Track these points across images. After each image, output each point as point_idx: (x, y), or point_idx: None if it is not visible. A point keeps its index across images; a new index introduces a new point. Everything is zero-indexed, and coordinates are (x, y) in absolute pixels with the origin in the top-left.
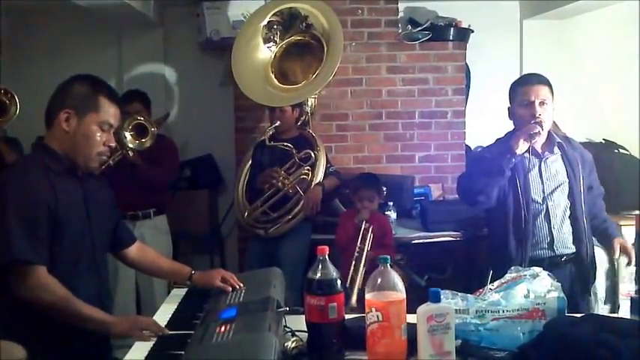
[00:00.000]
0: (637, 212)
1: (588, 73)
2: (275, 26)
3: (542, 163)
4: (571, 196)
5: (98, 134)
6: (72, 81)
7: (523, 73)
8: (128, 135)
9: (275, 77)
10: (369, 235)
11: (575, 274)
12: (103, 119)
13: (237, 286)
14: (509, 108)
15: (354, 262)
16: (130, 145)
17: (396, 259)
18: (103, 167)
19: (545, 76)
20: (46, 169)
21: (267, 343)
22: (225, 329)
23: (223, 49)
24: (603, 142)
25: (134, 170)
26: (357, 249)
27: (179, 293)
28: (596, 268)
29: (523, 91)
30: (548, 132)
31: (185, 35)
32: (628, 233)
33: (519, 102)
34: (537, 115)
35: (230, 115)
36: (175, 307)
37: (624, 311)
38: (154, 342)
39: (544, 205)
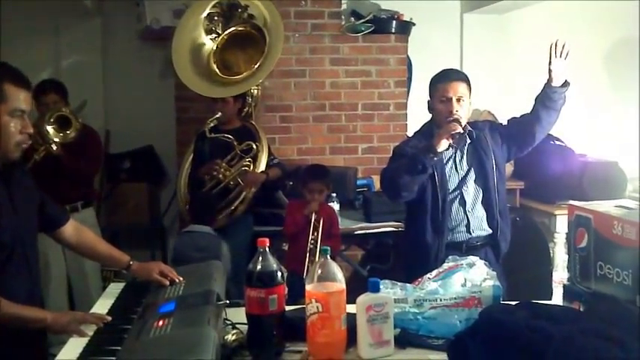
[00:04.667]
0: (571, 202)
1: (526, 66)
2: (216, 17)
3: (457, 153)
4: (484, 180)
5: (12, 124)
6: None
7: (463, 68)
8: (50, 129)
9: (217, 68)
10: (321, 227)
11: (492, 256)
12: (13, 107)
13: (177, 280)
14: (428, 102)
15: (308, 254)
16: (55, 139)
17: (340, 249)
18: (29, 165)
19: (463, 72)
20: None
21: (206, 336)
22: (163, 323)
23: (164, 39)
24: None
25: (58, 163)
26: (311, 241)
27: (116, 289)
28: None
29: (442, 87)
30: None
31: (124, 24)
32: (562, 223)
33: (438, 98)
34: (455, 112)
35: (171, 105)
36: (112, 302)
37: (557, 298)
38: (89, 337)
39: (459, 192)
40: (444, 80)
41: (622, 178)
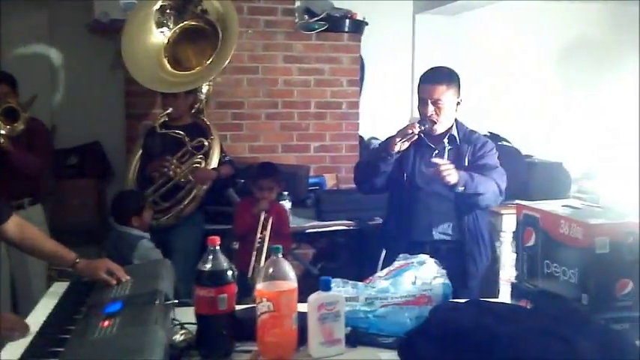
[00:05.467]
0: (518, 202)
1: (476, 67)
2: (168, 10)
3: (433, 155)
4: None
5: None
6: None
7: (414, 67)
8: None
9: (168, 63)
10: (269, 225)
11: (455, 259)
12: None
13: (124, 279)
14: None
15: (255, 253)
16: (2, 132)
17: (291, 248)
18: None
19: (446, 72)
20: None
21: (153, 336)
22: (109, 323)
23: (113, 32)
24: (488, 134)
25: (5, 157)
26: (258, 239)
27: (60, 288)
28: (486, 252)
29: (421, 88)
30: (452, 125)
31: (72, 16)
32: (508, 222)
33: (419, 99)
34: (428, 115)
35: (120, 100)
36: (56, 301)
37: (504, 296)
38: (31, 338)
39: (427, 193)
40: (422, 81)
41: (567, 178)
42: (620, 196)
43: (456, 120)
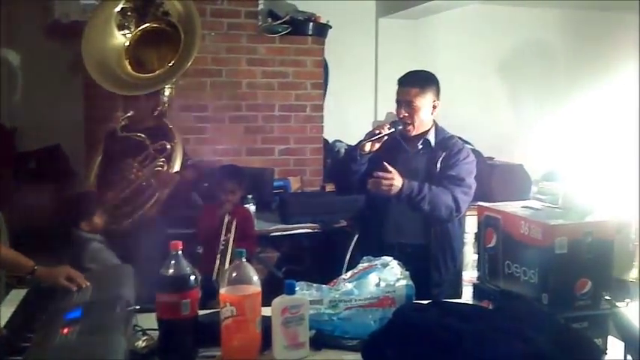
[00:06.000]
0: (480, 203)
1: (439, 71)
2: (129, 12)
3: (408, 157)
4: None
5: None
6: None
7: (378, 71)
8: None
9: (130, 65)
10: (233, 228)
11: (420, 264)
12: None
13: (84, 285)
14: None
15: (219, 256)
16: None
17: (256, 252)
18: None
19: (422, 76)
20: None
21: (114, 343)
22: (69, 330)
23: (73, 34)
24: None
25: None
26: (222, 242)
27: (18, 295)
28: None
29: (397, 91)
30: (430, 129)
31: (31, 17)
32: (472, 223)
33: (396, 101)
34: (401, 116)
35: (80, 103)
36: (14, 309)
37: (467, 297)
38: None
39: (398, 197)
40: (398, 84)
41: (527, 180)
42: (579, 197)
43: (435, 124)
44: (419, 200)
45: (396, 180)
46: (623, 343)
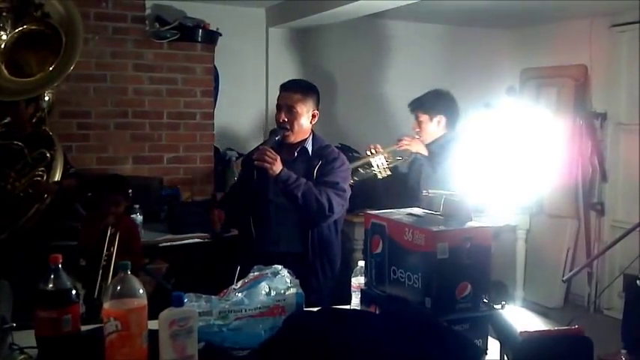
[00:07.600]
0: (368, 211)
1: (329, 81)
2: (5, 13)
3: (286, 164)
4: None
5: None
6: None
7: (269, 80)
8: None
9: (6, 69)
10: (117, 242)
11: (298, 272)
12: None
13: None
14: None
15: (101, 272)
16: None
17: (143, 264)
18: None
19: (303, 84)
20: None
21: None
22: None
23: None
24: (339, 145)
25: None
26: (104, 257)
27: None
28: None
29: (278, 96)
30: (308, 137)
31: None
32: (361, 231)
33: (276, 106)
34: (280, 121)
35: None
36: None
37: (355, 303)
38: None
39: (277, 205)
40: (280, 90)
41: None
42: (459, 204)
43: (313, 133)
44: (293, 187)
45: (277, 164)
46: (499, 343)
